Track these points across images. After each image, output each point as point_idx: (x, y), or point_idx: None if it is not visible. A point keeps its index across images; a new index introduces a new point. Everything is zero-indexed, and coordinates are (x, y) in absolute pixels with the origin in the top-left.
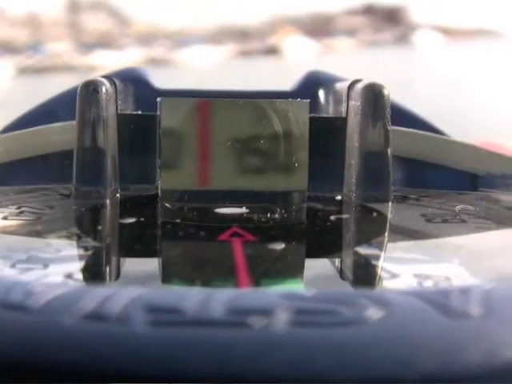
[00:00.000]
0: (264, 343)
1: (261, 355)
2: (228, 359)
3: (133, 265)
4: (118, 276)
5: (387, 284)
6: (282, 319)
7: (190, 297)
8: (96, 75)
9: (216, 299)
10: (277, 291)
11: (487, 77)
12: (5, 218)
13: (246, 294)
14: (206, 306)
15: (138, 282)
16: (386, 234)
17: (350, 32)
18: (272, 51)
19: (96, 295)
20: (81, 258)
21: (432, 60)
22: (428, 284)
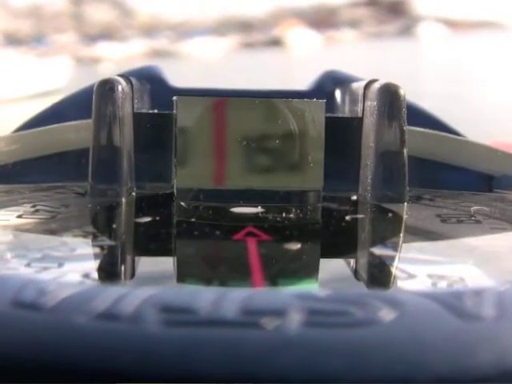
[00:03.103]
0: (277, 344)
1: (273, 356)
2: (241, 359)
3: (148, 264)
4: (133, 275)
5: (402, 285)
6: (294, 320)
7: (203, 297)
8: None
9: (229, 299)
10: (289, 292)
11: (491, 68)
12: (20, 217)
13: (258, 295)
14: (219, 306)
15: (154, 281)
16: (401, 235)
17: (354, 24)
18: (275, 43)
19: (109, 294)
20: (96, 256)
21: (436, 52)
22: (442, 285)
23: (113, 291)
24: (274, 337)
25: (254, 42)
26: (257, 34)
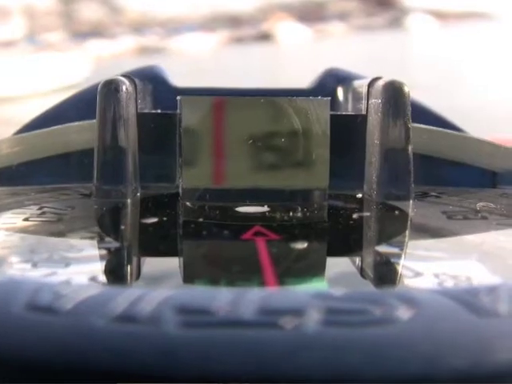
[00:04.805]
0: (296, 343)
1: (293, 355)
2: (260, 360)
3: (157, 265)
4: (142, 277)
5: (408, 283)
6: (313, 319)
7: (221, 297)
8: (117, 75)
9: (247, 300)
10: (306, 291)
11: (480, 59)
12: (27, 220)
13: (276, 295)
14: (237, 307)
15: (164, 282)
16: (408, 232)
17: (342, 17)
18: (265, 37)
19: (126, 296)
20: (102, 258)
21: (425, 43)
22: (449, 283)
23: (130, 293)
24: (293, 336)
25: (244, 37)
26: (246, 28)
